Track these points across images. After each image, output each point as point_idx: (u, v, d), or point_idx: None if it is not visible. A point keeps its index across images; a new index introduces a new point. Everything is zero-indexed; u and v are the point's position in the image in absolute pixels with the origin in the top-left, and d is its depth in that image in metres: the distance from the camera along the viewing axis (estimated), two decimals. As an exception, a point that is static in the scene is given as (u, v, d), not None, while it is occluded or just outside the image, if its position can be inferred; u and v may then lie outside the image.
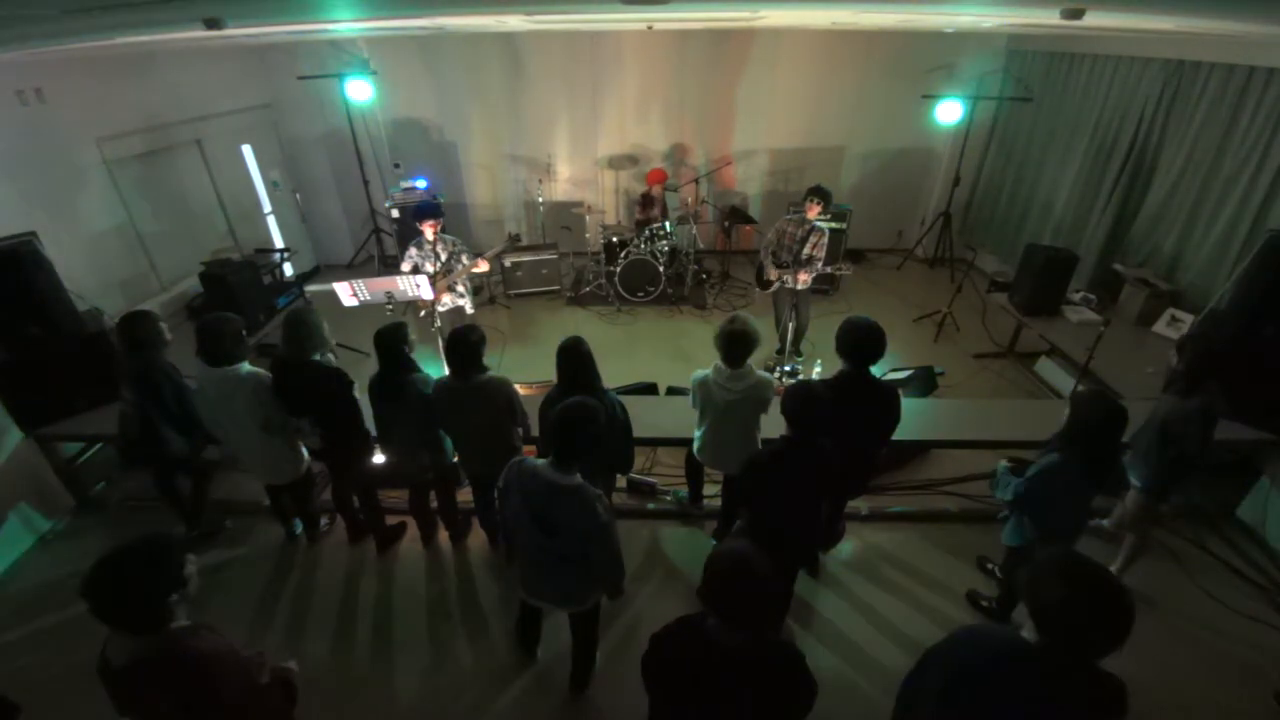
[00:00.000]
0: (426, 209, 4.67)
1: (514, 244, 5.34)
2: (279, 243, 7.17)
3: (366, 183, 7.21)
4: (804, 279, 5.02)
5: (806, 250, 4.95)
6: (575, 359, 2.91)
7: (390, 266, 7.08)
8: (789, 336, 5.36)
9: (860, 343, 2.89)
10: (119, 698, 1.70)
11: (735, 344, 3.01)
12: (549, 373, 2.99)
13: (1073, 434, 2.56)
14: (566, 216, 7.64)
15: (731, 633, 1.64)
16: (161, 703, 1.67)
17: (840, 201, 7.17)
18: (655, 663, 1.80)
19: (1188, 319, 4.75)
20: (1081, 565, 1.53)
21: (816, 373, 5.26)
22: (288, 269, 6.92)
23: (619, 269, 6.69)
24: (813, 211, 4.89)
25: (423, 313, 4.83)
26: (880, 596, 3.46)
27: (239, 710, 1.77)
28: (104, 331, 4.07)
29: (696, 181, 7.43)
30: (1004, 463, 2.92)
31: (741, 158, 7.88)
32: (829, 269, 5.09)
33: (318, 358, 3.19)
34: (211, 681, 1.69)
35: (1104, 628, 1.45)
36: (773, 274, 5.10)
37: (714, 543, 3.74)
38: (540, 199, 7.53)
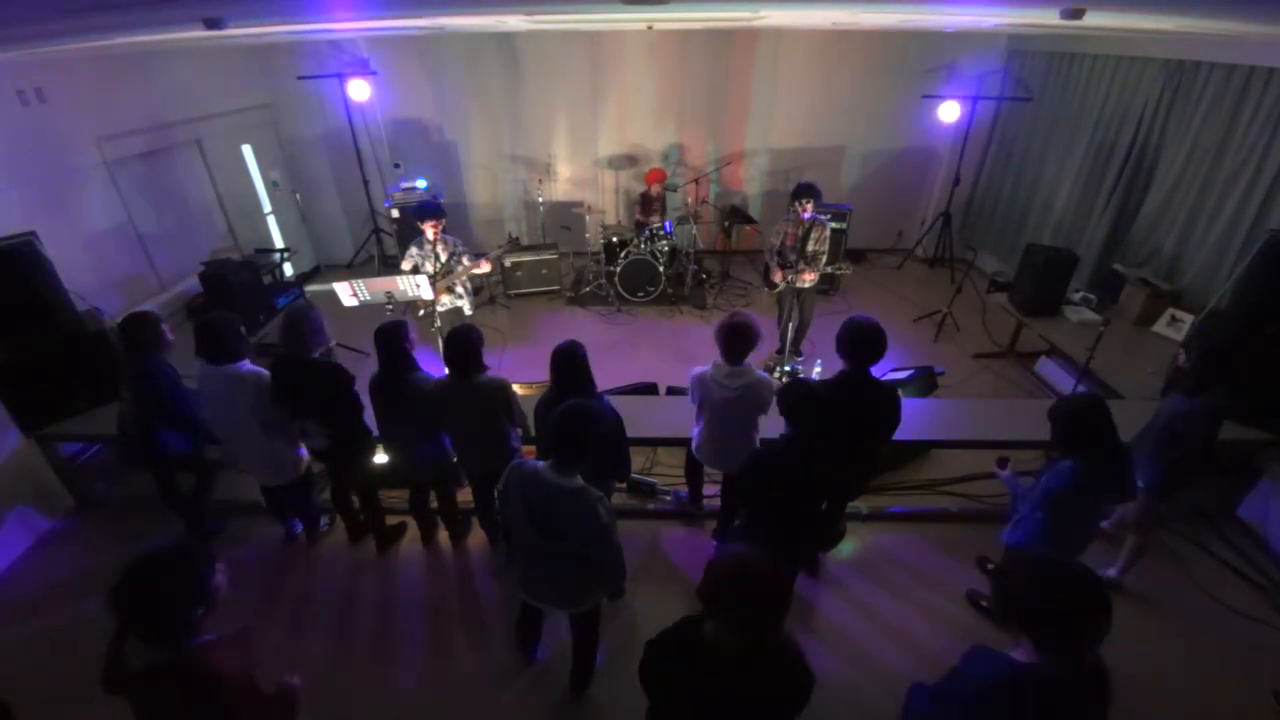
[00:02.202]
0: (429, 209, 4.66)
1: (514, 245, 5.35)
2: (279, 243, 7.18)
3: (366, 183, 7.21)
4: (810, 278, 5.02)
5: (811, 246, 4.96)
6: (570, 363, 2.89)
7: (390, 266, 7.08)
8: (790, 335, 5.36)
9: (862, 343, 2.89)
10: (133, 699, 1.69)
11: (735, 339, 3.01)
12: (548, 373, 2.98)
13: (1069, 441, 2.54)
14: (566, 216, 7.64)
15: (731, 636, 1.64)
16: (175, 714, 1.67)
17: (840, 201, 7.18)
18: (655, 664, 1.80)
19: (1188, 319, 4.75)
20: (1050, 561, 1.60)
21: (816, 373, 5.26)
22: (288, 269, 6.92)
23: (619, 269, 6.69)
24: (807, 209, 4.90)
25: (421, 312, 4.83)
26: (880, 596, 3.46)
27: None
28: (104, 331, 4.07)
29: (697, 181, 7.43)
30: (1005, 473, 2.91)
31: (742, 157, 7.88)
32: (829, 268, 5.10)
33: (317, 355, 3.19)
34: (228, 703, 1.68)
35: (1079, 616, 1.50)
36: (779, 275, 5.10)
37: (714, 543, 3.74)
38: (540, 199, 7.53)
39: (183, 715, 1.68)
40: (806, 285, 5.08)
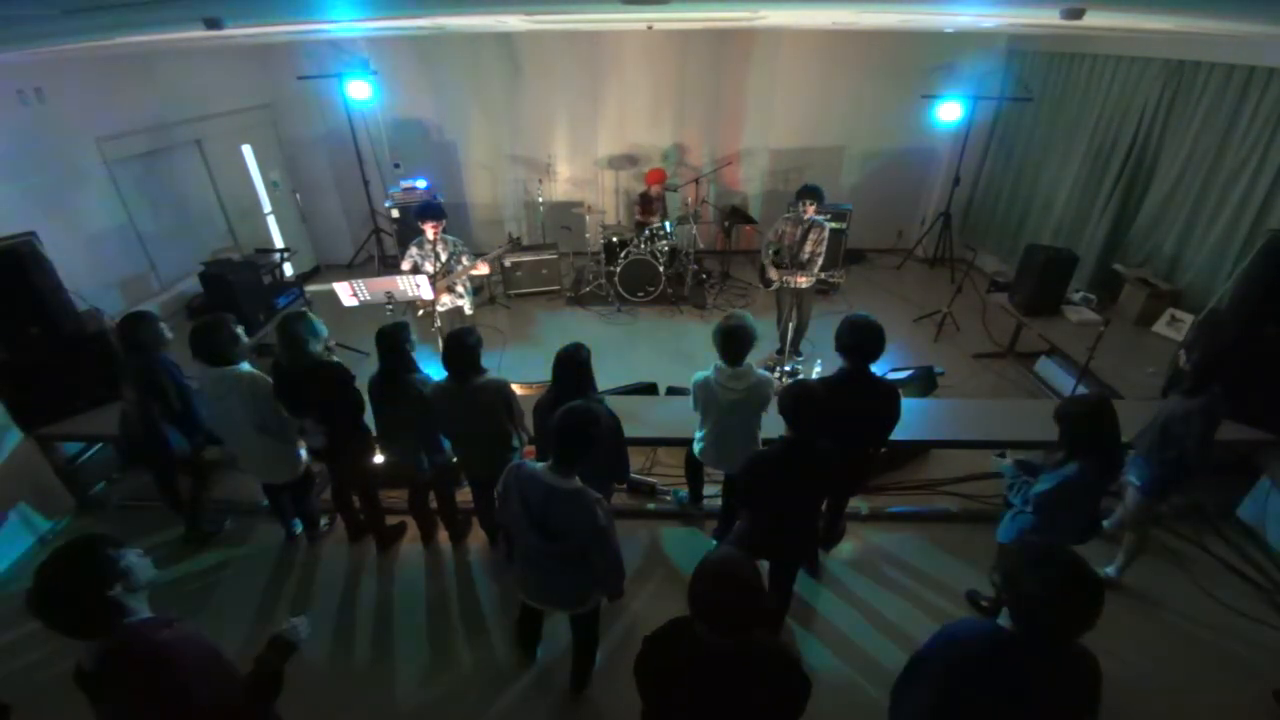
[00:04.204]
0: (429, 209, 4.66)
1: (515, 245, 5.35)
2: (279, 243, 7.18)
3: (366, 183, 7.21)
4: (804, 281, 5.03)
5: (808, 248, 4.96)
6: (573, 367, 2.88)
7: (390, 266, 7.07)
8: (789, 336, 5.36)
9: (861, 340, 2.90)
10: (95, 701, 1.64)
11: (733, 340, 3.01)
12: (549, 373, 2.98)
13: (1076, 443, 2.53)
14: (566, 216, 7.64)
15: (717, 639, 1.64)
16: (131, 701, 1.61)
17: (840, 201, 7.18)
18: (648, 665, 1.79)
19: (1188, 319, 4.75)
20: (1053, 554, 1.60)
21: (817, 372, 5.26)
22: (288, 269, 6.92)
23: (619, 269, 6.69)
24: (809, 210, 4.90)
25: (421, 312, 4.83)
26: (880, 596, 3.46)
27: (215, 708, 1.67)
28: (104, 331, 4.07)
29: (696, 181, 7.43)
30: (1006, 462, 2.91)
31: (742, 157, 7.88)
32: (823, 274, 5.10)
33: (314, 352, 3.17)
34: (176, 672, 1.61)
35: (1077, 612, 1.52)
36: (774, 274, 5.11)
37: (714, 543, 3.74)
38: (540, 199, 7.53)
39: (143, 701, 1.60)
40: (803, 286, 5.09)
